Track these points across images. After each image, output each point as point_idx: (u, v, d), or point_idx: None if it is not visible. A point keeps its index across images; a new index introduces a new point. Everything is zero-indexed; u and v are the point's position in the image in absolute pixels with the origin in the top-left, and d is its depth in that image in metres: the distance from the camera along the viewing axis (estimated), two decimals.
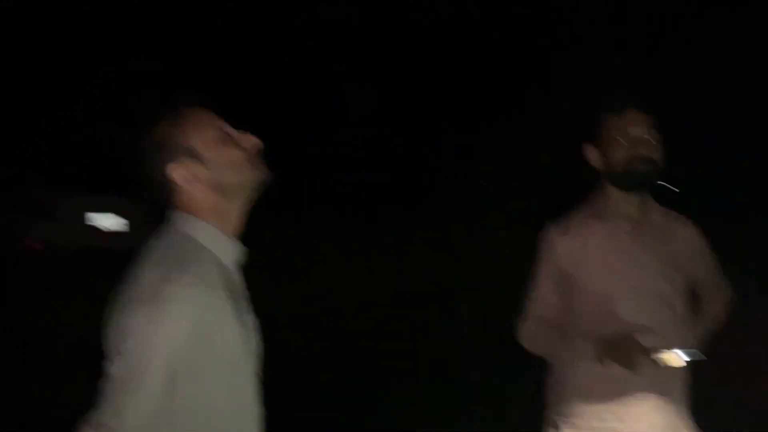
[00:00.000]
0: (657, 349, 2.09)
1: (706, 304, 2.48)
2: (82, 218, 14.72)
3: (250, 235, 1.80)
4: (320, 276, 11.62)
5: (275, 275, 10.76)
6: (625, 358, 2.09)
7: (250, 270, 1.82)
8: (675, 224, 2.38)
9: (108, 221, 14.91)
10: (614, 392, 2.24)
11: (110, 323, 1.58)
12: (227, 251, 1.70)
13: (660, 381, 2.23)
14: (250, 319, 1.77)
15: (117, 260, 2.19)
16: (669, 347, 2.09)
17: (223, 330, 1.61)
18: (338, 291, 10.46)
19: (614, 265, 2.29)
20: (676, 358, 2.07)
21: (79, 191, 15.06)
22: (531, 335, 2.42)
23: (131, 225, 14.72)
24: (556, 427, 2.34)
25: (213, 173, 1.68)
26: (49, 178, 15.40)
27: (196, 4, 18.09)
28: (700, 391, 2.39)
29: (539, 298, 2.43)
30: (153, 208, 1.76)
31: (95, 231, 14.73)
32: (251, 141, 1.73)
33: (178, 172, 1.68)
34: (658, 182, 2.33)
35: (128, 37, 17.76)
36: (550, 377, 2.43)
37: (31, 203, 14.82)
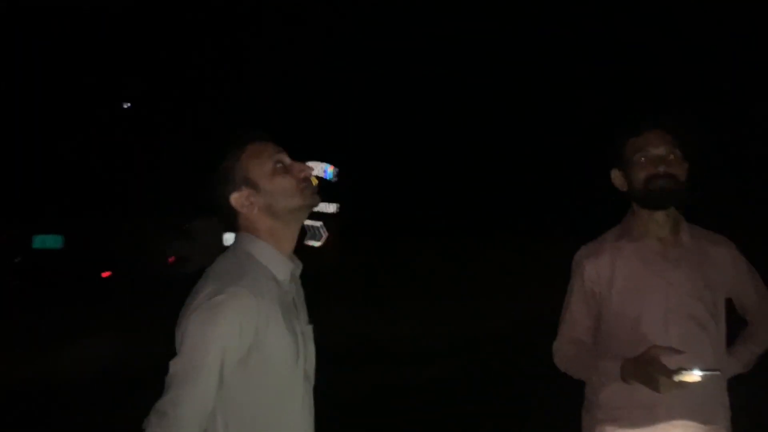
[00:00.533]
0: (679, 371, 2.04)
1: (753, 327, 2.40)
2: (218, 238, 15.79)
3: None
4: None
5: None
6: (649, 379, 2.06)
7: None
8: (709, 244, 2.33)
9: None
10: (644, 416, 2.22)
11: (177, 327, 1.79)
12: (281, 267, 1.89)
13: (693, 404, 2.19)
14: (306, 329, 1.94)
15: None
16: (691, 367, 2.04)
17: (271, 336, 1.78)
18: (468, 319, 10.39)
19: (643, 285, 2.26)
20: (695, 377, 2.03)
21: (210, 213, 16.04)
22: (564, 357, 2.40)
23: None
24: None
25: (267, 200, 1.88)
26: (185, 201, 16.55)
27: None
28: (751, 417, 2.33)
29: (572, 321, 2.40)
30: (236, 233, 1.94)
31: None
32: (302, 170, 1.92)
33: (238, 199, 1.89)
34: (691, 200, 2.30)
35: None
36: (586, 399, 2.41)
37: (173, 224, 16.14)
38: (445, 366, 7.53)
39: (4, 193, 16.65)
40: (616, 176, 2.35)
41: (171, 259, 15.54)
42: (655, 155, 2.25)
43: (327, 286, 10.84)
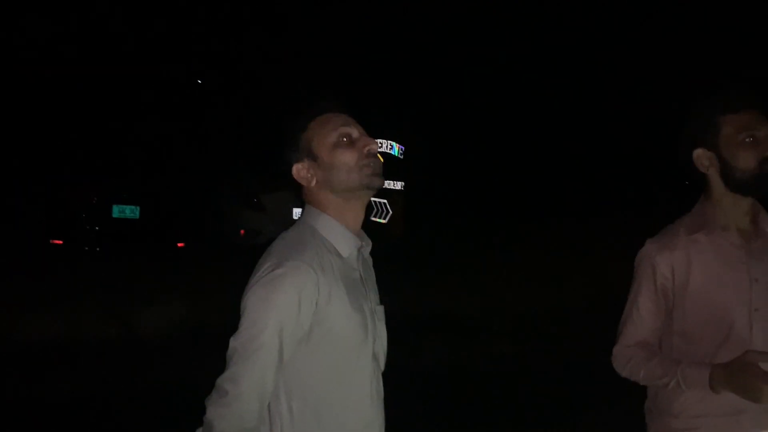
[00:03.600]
0: None
1: None
2: (288, 211, 16.20)
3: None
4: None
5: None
6: (748, 387, 1.89)
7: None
8: None
9: None
10: (729, 424, 2.06)
11: (242, 301, 1.73)
12: (346, 243, 1.81)
13: None
14: (376, 309, 1.87)
15: None
16: None
17: (334, 312, 1.70)
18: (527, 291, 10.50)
19: (726, 282, 2.08)
20: None
21: (282, 186, 16.43)
22: (629, 362, 2.20)
23: None
24: None
25: (326, 174, 1.82)
26: (255, 174, 16.94)
27: None
28: None
29: (639, 321, 2.20)
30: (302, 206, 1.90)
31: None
32: (367, 145, 1.83)
33: (300, 171, 1.85)
34: None
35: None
36: (652, 406, 2.24)
37: (244, 196, 16.65)
38: (512, 342, 7.62)
39: (86, 163, 17.40)
40: (702, 156, 2.13)
41: (242, 232, 16.05)
42: (761, 136, 2.05)
43: (393, 261, 11.05)
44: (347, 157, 1.80)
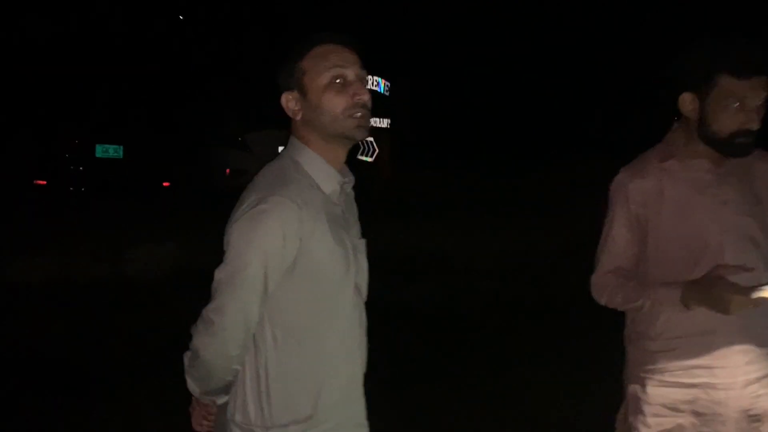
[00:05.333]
0: (757, 288, 1.92)
1: None
2: (273, 149, 16.12)
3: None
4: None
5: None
6: (720, 301, 1.95)
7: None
8: (756, 160, 2.20)
9: None
10: (704, 344, 2.11)
11: (225, 236, 1.75)
12: (329, 179, 1.80)
13: (751, 328, 2.10)
14: (358, 243, 1.87)
15: None
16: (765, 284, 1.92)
17: (317, 246, 1.72)
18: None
19: (696, 206, 2.13)
20: None
21: (268, 125, 16.35)
22: (609, 288, 2.23)
23: None
24: (642, 383, 2.20)
25: (310, 112, 1.78)
26: (241, 114, 16.82)
27: None
28: None
29: (615, 249, 2.24)
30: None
31: None
32: (358, 94, 1.76)
33: (288, 101, 1.80)
34: None
35: None
36: (631, 331, 2.29)
37: (230, 136, 16.54)
38: (499, 281, 7.73)
39: (68, 103, 17.17)
40: (687, 101, 2.14)
41: (228, 171, 15.99)
42: (753, 106, 2.06)
43: (380, 200, 11.13)
44: (334, 103, 1.75)
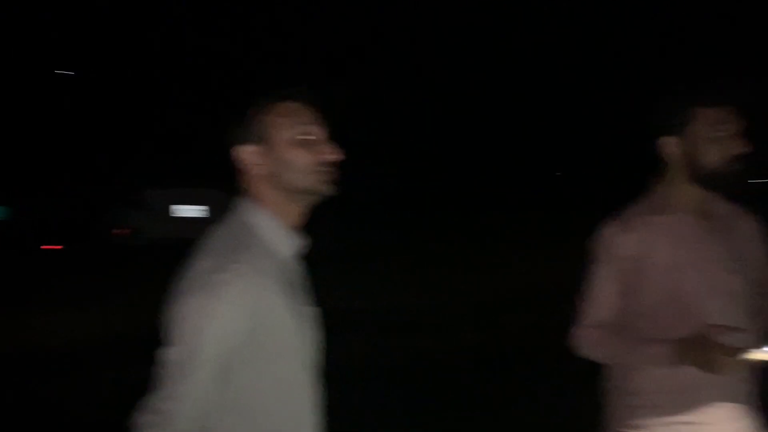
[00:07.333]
0: (744, 349, 1.93)
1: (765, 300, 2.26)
2: (167, 209, 15.73)
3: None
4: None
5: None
6: (708, 360, 1.95)
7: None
8: (737, 217, 2.23)
9: (191, 212, 15.87)
10: (687, 401, 2.10)
11: (168, 311, 1.59)
12: (285, 243, 1.70)
13: (733, 387, 2.10)
14: (308, 311, 1.77)
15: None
16: (756, 346, 1.95)
17: (274, 319, 1.62)
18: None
19: (681, 262, 2.13)
20: (765, 354, 1.92)
21: (165, 184, 16.02)
22: (592, 342, 2.22)
23: (212, 213, 15.45)
24: None
25: (276, 167, 1.69)
26: (137, 171, 16.44)
27: None
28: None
29: (599, 302, 2.23)
30: (233, 197, 1.77)
31: (179, 220, 15.73)
32: (329, 153, 1.71)
33: (247, 154, 1.70)
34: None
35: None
36: (612, 385, 2.25)
37: (121, 195, 16.06)
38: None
39: None
40: (670, 144, 2.15)
41: (117, 231, 15.45)
42: (734, 132, 2.08)
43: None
44: (304, 159, 1.68)
